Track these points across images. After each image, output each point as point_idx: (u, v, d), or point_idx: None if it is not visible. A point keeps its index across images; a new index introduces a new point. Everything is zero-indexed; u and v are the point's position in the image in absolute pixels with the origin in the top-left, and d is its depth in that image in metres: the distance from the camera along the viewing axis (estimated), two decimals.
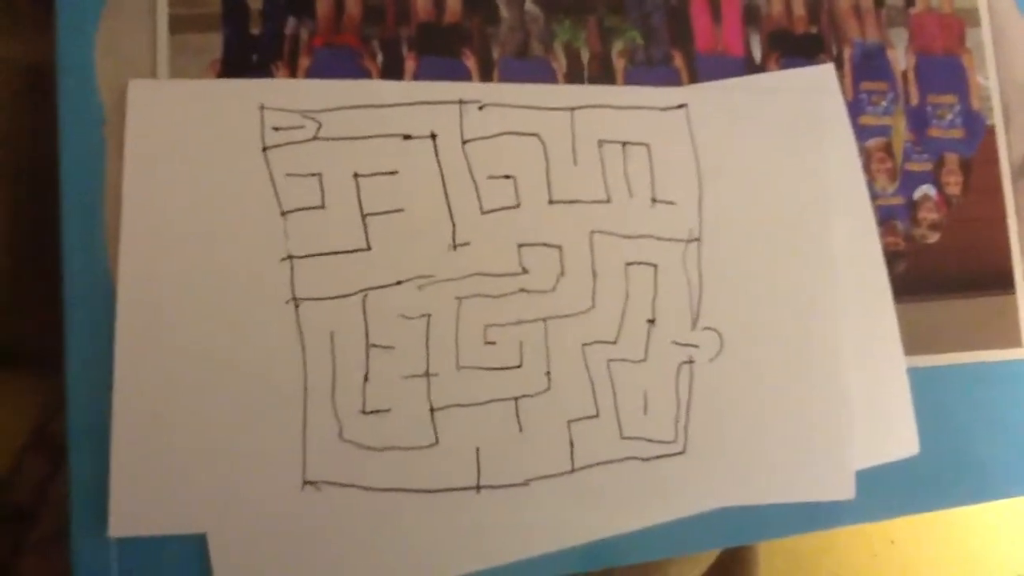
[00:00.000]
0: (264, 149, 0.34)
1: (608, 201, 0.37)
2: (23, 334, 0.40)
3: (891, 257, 0.40)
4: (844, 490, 0.38)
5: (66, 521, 0.32)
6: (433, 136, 0.35)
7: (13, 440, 0.39)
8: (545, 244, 0.36)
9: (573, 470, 0.36)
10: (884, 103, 0.41)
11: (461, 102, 0.36)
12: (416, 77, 0.36)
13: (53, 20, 0.34)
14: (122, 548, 0.32)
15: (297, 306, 0.34)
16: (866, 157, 0.41)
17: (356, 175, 0.35)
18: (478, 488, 0.35)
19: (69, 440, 0.32)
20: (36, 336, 0.39)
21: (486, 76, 0.37)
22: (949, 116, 0.42)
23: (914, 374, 0.40)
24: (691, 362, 0.37)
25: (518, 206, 0.36)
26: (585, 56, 0.38)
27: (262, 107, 0.34)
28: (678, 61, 0.39)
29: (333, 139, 0.35)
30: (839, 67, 0.41)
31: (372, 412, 0.34)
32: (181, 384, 0.33)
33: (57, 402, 0.38)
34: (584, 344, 0.36)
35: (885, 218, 0.41)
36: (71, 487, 0.32)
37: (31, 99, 0.38)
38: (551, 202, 0.36)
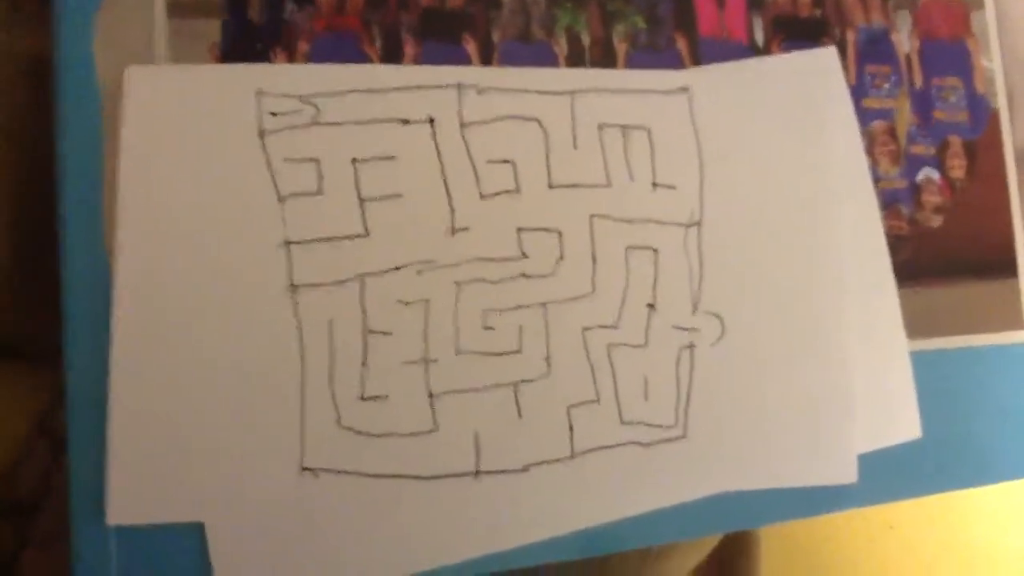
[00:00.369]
0: (261, 134, 0.34)
1: (608, 185, 0.37)
2: (26, 332, 0.40)
3: (894, 241, 0.40)
4: (846, 474, 0.38)
5: (67, 515, 0.32)
6: (431, 120, 0.35)
7: (16, 434, 0.39)
8: (545, 229, 0.36)
9: (573, 455, 0.36)
10: (888, 86, 0.41)
11: (460, 86, 0.36)
12: (416, 62, 0.36)
13: (51, 8, 0.33)
14: (121, 536, 0.32)
15: (295, 292, 0.33)
16: (869, 140, 0.40)
17: (354, 160, 0.34)
18: (477, 474, 0.35)
19: (68, 430, 0.32)
20: (39, 333, 0.39)
21: (486, 61, 0.37)
22: (953, 99, 0.42)
23: (916, 358, 0.39)
24: (692, 347, 0.37)
25: (518, 191, 0.36)
26: (586, 40, 0.38)
27: (259, 92, 0.34)
28: (681, 45, 0.39)
29: (331, 124, 0.34)
30: (843, 51, 0.40)
31: (370, 398, 0.34)
32: (178, 372, 0.32)
33: (59, 396, 0.38)
34: (584, 329, 0.36)
35: (888, 202, 0.40)
36: (70, 476, 0.32)
37: (35, 96, 0.38)
38: (551, 186, 0.36)
